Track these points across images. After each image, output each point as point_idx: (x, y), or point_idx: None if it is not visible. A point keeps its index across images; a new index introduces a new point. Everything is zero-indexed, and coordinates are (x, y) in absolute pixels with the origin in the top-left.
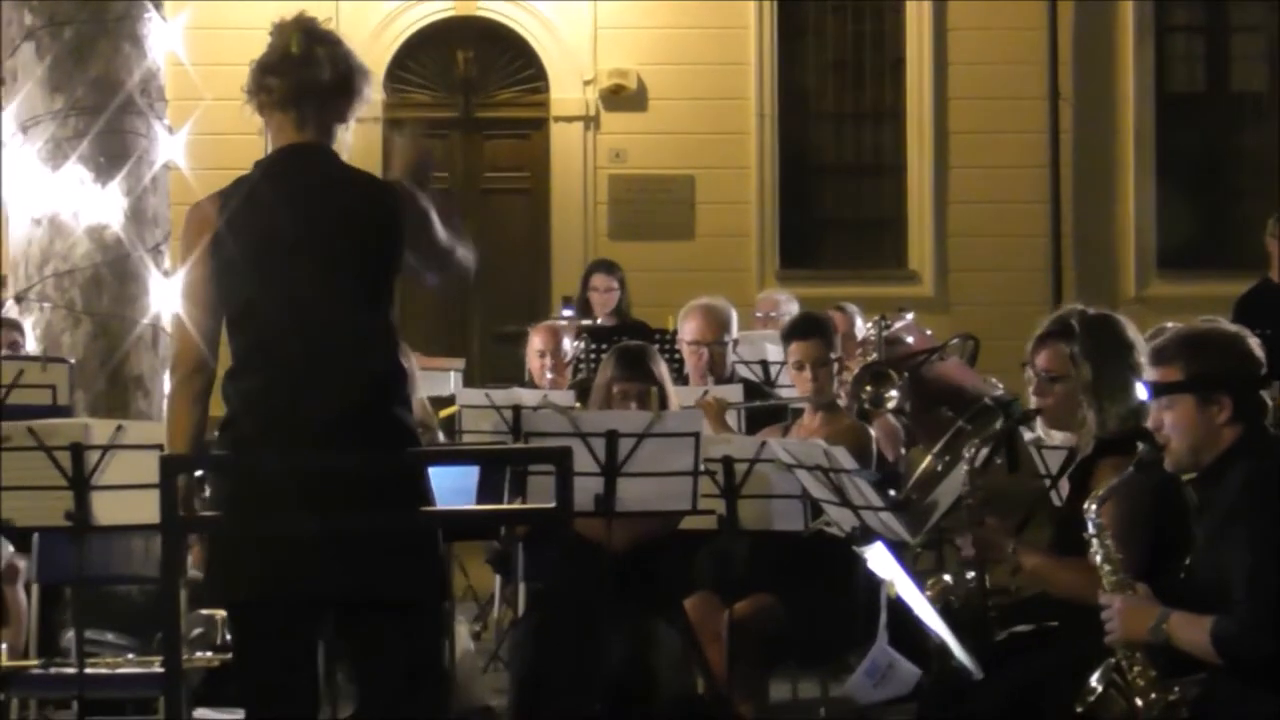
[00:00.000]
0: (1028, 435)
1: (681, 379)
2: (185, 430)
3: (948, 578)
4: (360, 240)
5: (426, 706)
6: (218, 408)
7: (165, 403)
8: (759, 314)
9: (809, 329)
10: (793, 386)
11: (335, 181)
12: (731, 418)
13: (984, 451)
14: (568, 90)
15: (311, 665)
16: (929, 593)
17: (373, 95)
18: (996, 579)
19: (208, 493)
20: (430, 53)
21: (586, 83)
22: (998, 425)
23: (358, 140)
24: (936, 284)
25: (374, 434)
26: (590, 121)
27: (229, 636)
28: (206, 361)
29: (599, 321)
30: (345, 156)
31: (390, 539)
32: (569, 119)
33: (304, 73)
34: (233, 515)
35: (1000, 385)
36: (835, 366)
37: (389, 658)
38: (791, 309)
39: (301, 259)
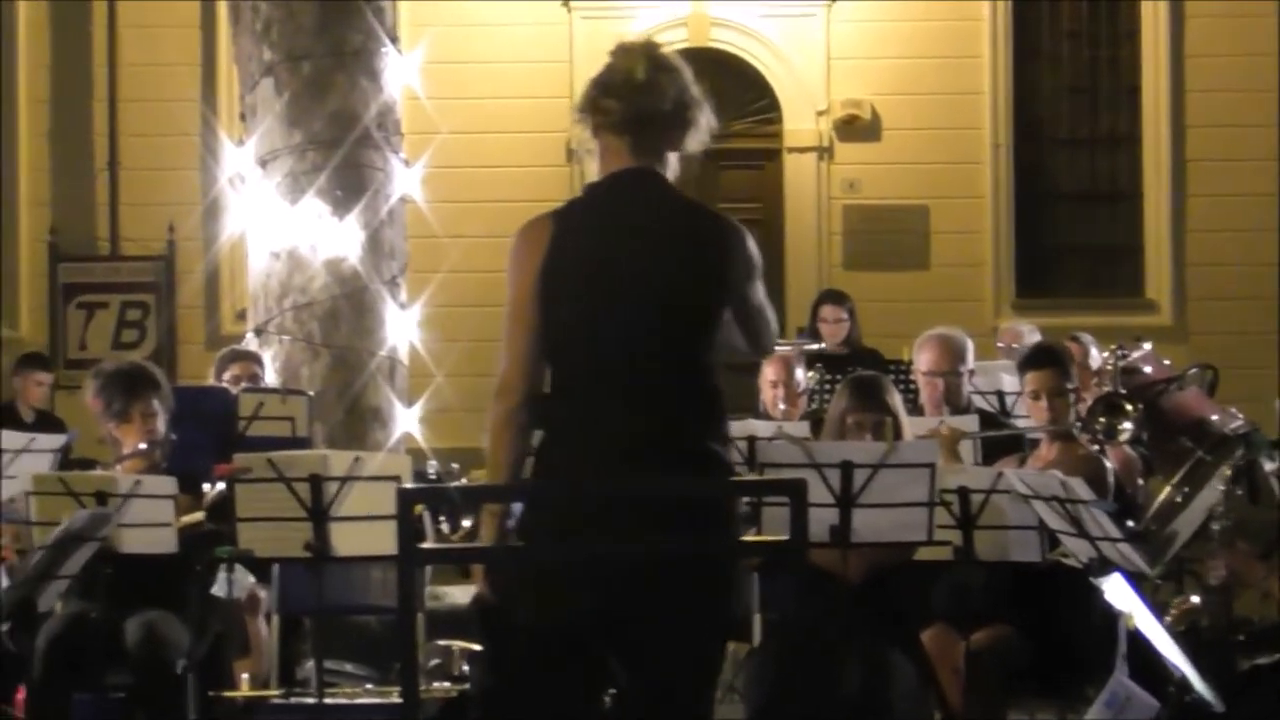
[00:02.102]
0: (1268, 465)
1: (916, 409)
2: (507, 464)
3: (1195, 599)
4: (689, 269)
5: None
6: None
7: (486, 432)
8: (1001, 344)
9: (1045, 359)
10: (1029, 417)
11: (668, 209)
12: (967, 448)
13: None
14: (801, 121)
15: (588, 700)
16: (1174, 613)
17: (708, 127)
18: (1240, 608)
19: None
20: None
21: (820, 113)
22: (1239, 456)
23: (593, 172)
24: (1175, 313)
25: (688, 470)
26: (824, 152)
27: (479, 666)
28: (533, 390)
29: (826, 349)
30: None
31: (695, 572)
32: (802, 150)
33: (646, 99)
34: (538, 541)
35: (1240, 416)
36: (1071, 397)
37: (665, 693)
38: (1034, 340)
39: (630, 285)
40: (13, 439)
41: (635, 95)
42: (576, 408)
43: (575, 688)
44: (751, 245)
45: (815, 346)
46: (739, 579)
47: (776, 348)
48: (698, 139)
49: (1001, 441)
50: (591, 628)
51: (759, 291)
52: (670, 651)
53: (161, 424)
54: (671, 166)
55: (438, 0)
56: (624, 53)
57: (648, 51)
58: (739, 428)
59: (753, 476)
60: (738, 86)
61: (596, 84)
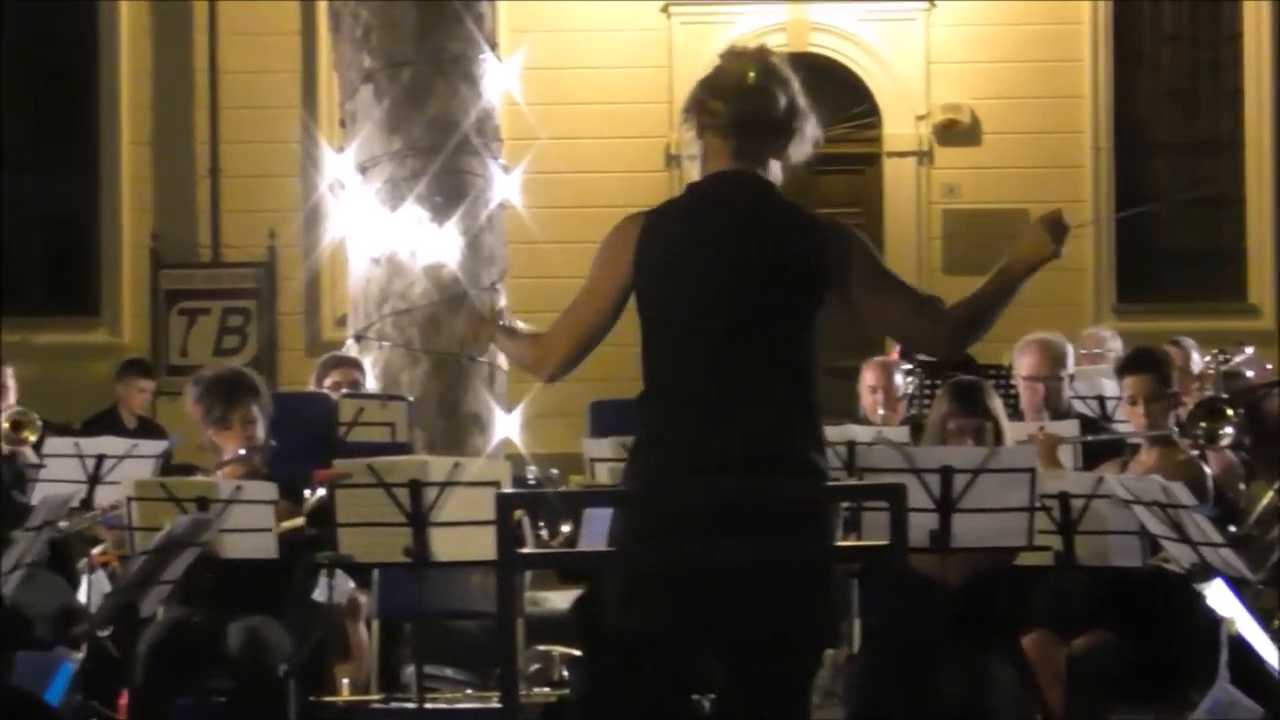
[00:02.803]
0: None
1: (1017, 414)
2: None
3: None
4: (787, 273)
5: None
6: None
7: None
8: (1083, 351)
9: (1143, 364)
10: (1129, 422)
11: (767, 211)
12: (1067, 453)
13: None
14: (900, 125)
15: (683, 704)
16: (1278, 620)
17: (813, 139)
18: None
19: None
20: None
21: (919, 118)
22: None
23: (693, 177)
24: (1278, 317)
25: (784, 474)
26: (923, 156)
27: (578, 671)
28: (561, 370)
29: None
30: None
31: (782, 580)
32: (902, 154)
33: (754, 104)
34: (641, 544)
35: None
36: (1171, 401)
37: (756, 702)
38: (1116, 346)
39: (725, 285)
40: (115, 445)
41: (744, 99)
42: (673, 410)
43: (672, 692)
44: (862, 241)
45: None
46: (836, 584)
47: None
48: (802, 149)
49: (1102, 446)
50: (689, 632)
51: (892, 280)
52: (767, 657)
53: (261, 430)
54: (774, 174)
55: (537, 6)
56: (736, 56)
57: (761, 57)
58: (838, 433)
59: (852, 481)
60: (837, 91)
61: (705, 85)
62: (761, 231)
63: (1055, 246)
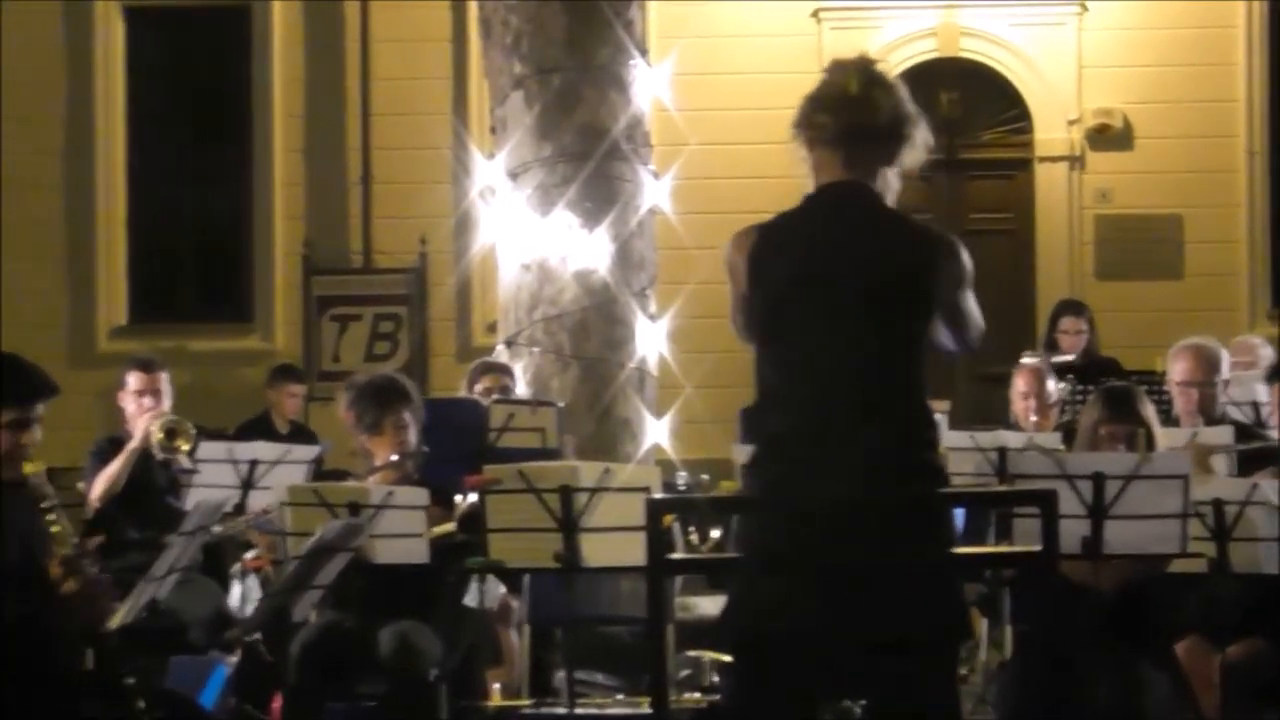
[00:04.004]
0: None
1: (1170, 420)
2: None
3: None
4: (897, 282)
5: None
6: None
7: None
8: (1234, 359)
9: None
10: None
11: (877, 222)
12: (1221, 460)
13: None
14: (1052, 130)
15: (813, 709)
16: None
17: (923, 144)
18: None
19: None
20: (914, 94)
21: (1071, 122)
22: None
23: None
24: None
25: (903, 476)
26: (1075, 161)
27: (728, 677)
28: None
29: (1070, 359)
30: (890, 200)
31: (921, 579)
32: (1054, 159)
33: (859, 114)
34: (764, 551)
35: None
36: None
37: (903, 701)
38: (1267, 354)
39: (837, 296)
40: (268, 450)
41: (849, 110)
42: (789, 422)
43: (806, 697)
44: (963, 256)
45: (1061, 359)
46: (958, 581)
47: (1024, 359)
48: (914, 155)
49: (1258, 453)
50: (820, 635)
51: (969, 299)
52: (903, 656)
53: (413, 436)
54: (888, 183)
55: (687, 12)
56: (839, 68)
57: (862, 67)
58: (990, 439)
59: (1003, 487)
60: (987, 96)
61: (811, 99)
62: (871, 242)
63: None
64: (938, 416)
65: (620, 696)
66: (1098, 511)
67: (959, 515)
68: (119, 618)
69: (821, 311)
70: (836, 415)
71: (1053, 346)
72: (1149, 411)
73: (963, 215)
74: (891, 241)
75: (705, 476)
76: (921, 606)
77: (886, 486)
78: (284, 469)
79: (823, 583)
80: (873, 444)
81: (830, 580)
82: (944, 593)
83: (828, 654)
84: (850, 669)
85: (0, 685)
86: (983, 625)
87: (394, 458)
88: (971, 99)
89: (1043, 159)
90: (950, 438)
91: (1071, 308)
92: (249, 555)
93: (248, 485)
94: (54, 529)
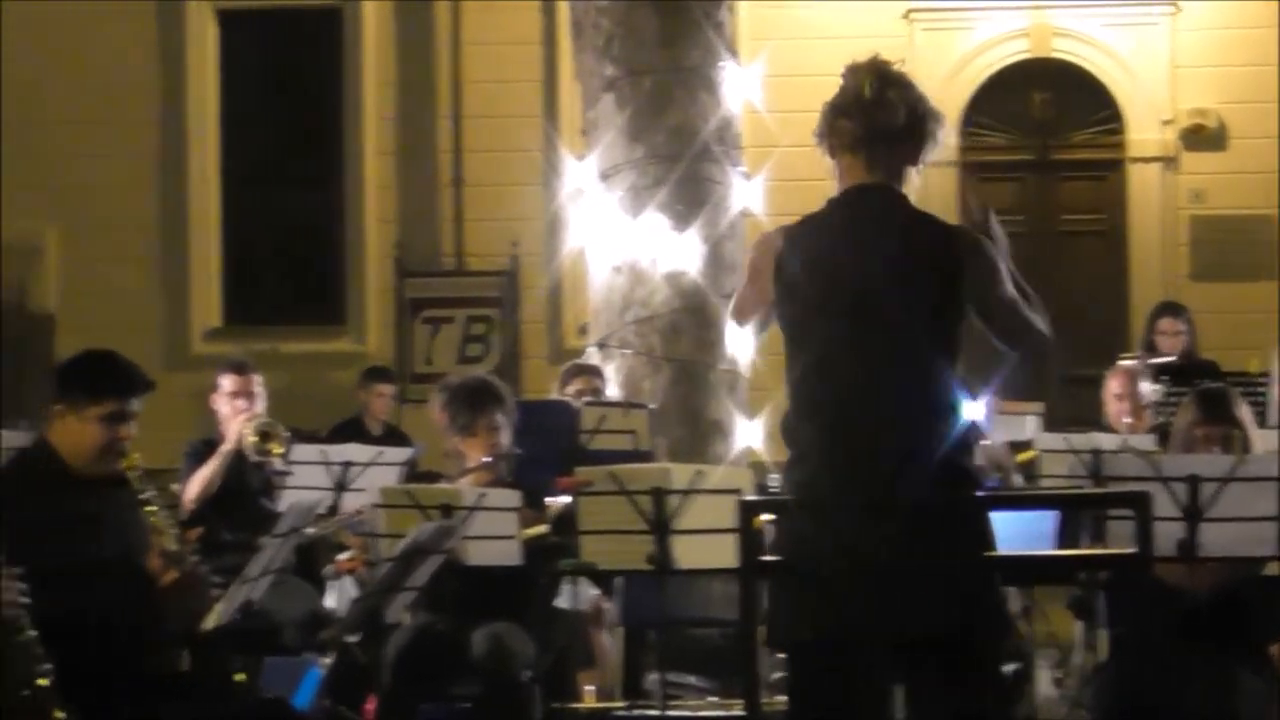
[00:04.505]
0: None
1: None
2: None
3: None
4: (923, 282)
5: None
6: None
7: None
8: None
9: None
10: None
11: (901, 222)
12: None
13: None
14: (1145, 131)
15: (876, 711)
16: None
17: (945, 139)
18: None
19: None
20: (1006, 95)
21: (1165, 123)
22: None
23: (932, 184)
24: None
25: (934, 478)
26: (1169, 162)
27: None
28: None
29: (1169, 359)
30: (914, 199)
31: (949, 579)
32: (1147, 160)
33: (876, 116)
34: (796, 556)
35: None
36: None
37: (947, 700)
38: None
39: (863, 298)
40: (361, 452)
41: (865, 113)
42: (821, 426)
43: (854, 697)
44: (988, 250)
45: (1161, 360)
46: (994, 578)
47: (1121, 361)
48: (935, 151)
49: None
50: (858, 641)
51: (1006, 288)
52: (941, 655)
53: (505, 438)
54: (911, 182)
55: (777, 13)
56: (852, 73)
57: (875, 68)
58: (1083, 440)
59: (1096, 489)
60: (1080, 97)
61: (830, 106)
62: (896, 242)
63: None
64: (1031, 418)
65: (713, 698)
66: (1193, 514)
67: (1052, 517)
68: (214, 619)
69: (846, 315)
70: (863, 419)
71: (1151, 348)
72: (1244, 413)
73: (1055, 217)
74: (917, 242)
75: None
76: (952, 607)
77: (915, 490)
78: (377, 471)
79: (856, 585)
80: (900, 447)
81: (864, 583)
82: (974, 592)
83: (864, 655)
84: (887, 670)
85: (98, 682)
86: (1077, 628)
87: (486, 459)
88: (1063, 100)
89: (1135, 160)
90: (1044, 439)
91: (1170, 309)
92: (342, 557)
93: (341, 487)
94: (153, 520)
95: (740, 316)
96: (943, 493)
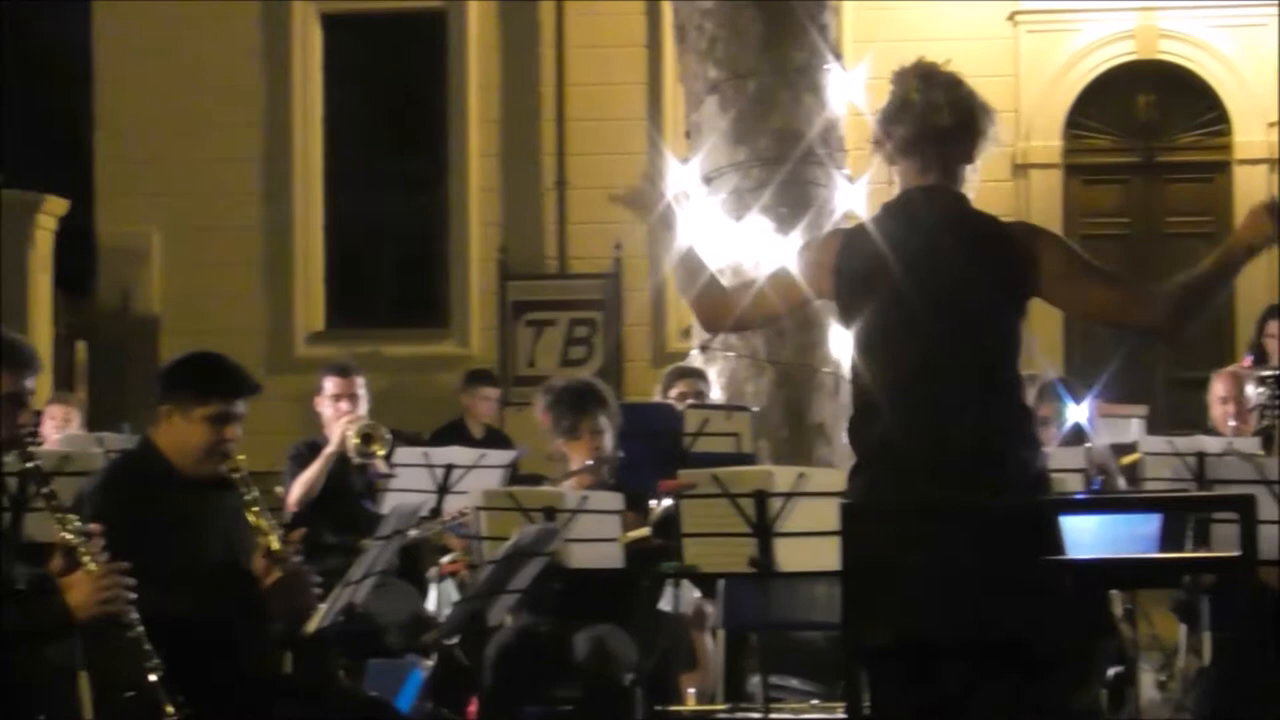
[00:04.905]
0: None
1: None
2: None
3: None
4: (985, 281)
5: None
6: None
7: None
8: None
9: None
10: None
11: (956, 222)
12: None
13: None
14: (1251, 132)
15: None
16: None
17: (999, 135)
18: None
19: None
20: (1111, 97)
21: (1271, 124)
22: None
23: (1036, 187)
24: None
25: (1002, 478)
26: (1275, 163)
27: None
28: (725, 331)
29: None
30: (972, 198)
31: (1020, 584)
32: (1253, 161)
33: (923, 118)
34: (862, 562)
35: None
36: None
37: (1026, 708)
38: None
39: (924, 299)
40: (463, 455)
41: (913, 116)
42: (884, 427)
43: (930, 704)
44: (1052, 237)
45: (1268, 372)
46: (1066, 585)
47: (1231, 367)
48: (989, 148)
49: None
50: (938, 645)
51: (1090, 270)
52: (1006, 662)
53: (609, 441)
54: (969, 181)
55: (882, 15)
56: (898, 78)
57: (919, 71)
58: (1188, 444)
59: (1201, 492)
60: (1186, 98)
61: (880, 115)
62: (953, 243)
63: (1275, 231)
64: (1135, 421)
65: (815, 702)
66: None
67: (1156, 520)
68: (316, 621)
69: (907, 316)
70: (929, 419)
71: (1259, 350)
72: None
73: (1160, 218)
74: (975, 240)
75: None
76: (1023, 611)
77: (980, 489)
78: (479, 473)
79: (924, 589)
80: (967, 446)
81: (932, 586)
82: (1044, 596)
83: (937, 660)
84: (958, 676)
85: (201, 683)
86: (1180, 631)
87: (589, 463)
88: (1169, 102)
89: (1241, 161)
90: (1148, 442)
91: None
92: (445, 559)
93: (443, 490)
94: (257, 522)
95: (724, 319)
96: (1012, 494)
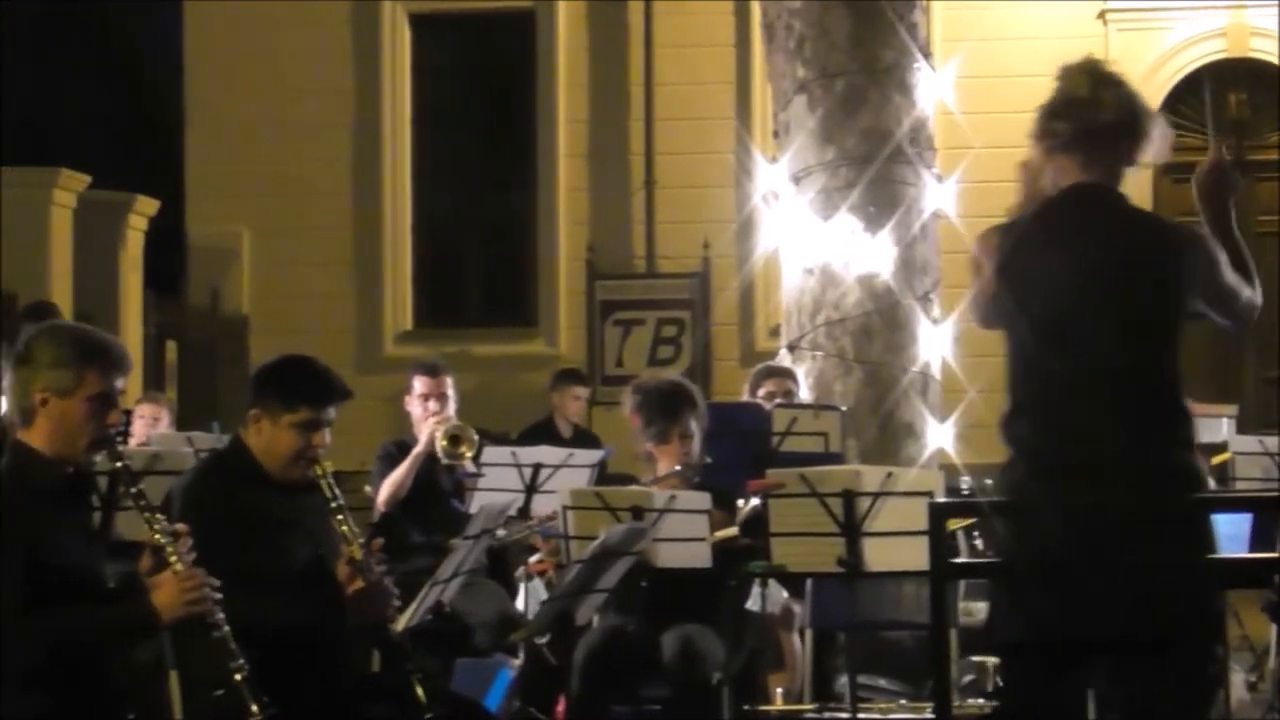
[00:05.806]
0: None
1: None
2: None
3: None
4: (1144, 281)
5: None
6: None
7: None
8: None
9: None
10: None
11: (1120, 222)
12: None
13: None
14: None
15: (1079, 713)
16: None
17: (1161, 137)
18: None
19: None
20: (1202, 95)
21: None
22: None
23: (1131, 185)
24: None
25: (1155, 477)
26: None
27: (999, 682)
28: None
29: None
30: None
31: (1168, 582)
32: None
33: (1090, 115)
34: (1011, 558)
35: None
36: None
37: (1159, 704)
38: None
39: (1083, 298)
40: (551, 454)
41: (1079, 113)
42: (1040, 426)
43: (1065, 701)
44: (1209, 248)
45: None
46: (1210, 581)
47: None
48: (1151, 150)
49: None
50: (1080, 645)
51: (1226, 279)
52: (1150, 659)
53: (697, 444)
54: (1126, 182)
55: (971, 15)
56: (1066, 73)
57: (1088, 68)
58: (1276, 442)
59: None
60: (1276, 96)
61: (1044, 108)
62: (1113, 242)
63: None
64: (1225, 420)
65: (903, 702)
66: None
67: (1246, 520)
68: (405, 620)
69: (1066, 313)
70: (1084, 418)
71: None
72: None
73: (1250, 218)
74: (1135, 239)
75: (989, 481)
76: (1173, 608)
77: (1138, 488)
78: (567, 473)
79: (1075, 586)
80: (1122, 445)
81: (1082, 583)
82: (1195, 594)
83: (1078, 661)
84: (1104, 672)
85: (290, 685)
86: (1272, 631)
87: (677, 468)
88: (1260, 100)
89: None
90: (1237, 442)
91: None
92: (533, 559)
93: (531, 489)
94: (342, 529)
95: (975, 314)
96: (1167, 490)
